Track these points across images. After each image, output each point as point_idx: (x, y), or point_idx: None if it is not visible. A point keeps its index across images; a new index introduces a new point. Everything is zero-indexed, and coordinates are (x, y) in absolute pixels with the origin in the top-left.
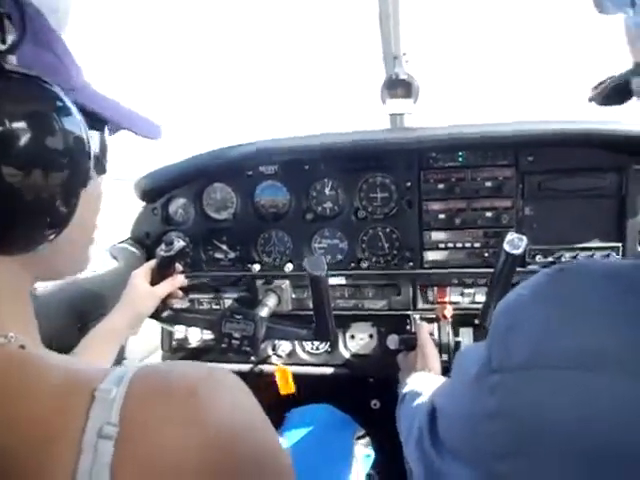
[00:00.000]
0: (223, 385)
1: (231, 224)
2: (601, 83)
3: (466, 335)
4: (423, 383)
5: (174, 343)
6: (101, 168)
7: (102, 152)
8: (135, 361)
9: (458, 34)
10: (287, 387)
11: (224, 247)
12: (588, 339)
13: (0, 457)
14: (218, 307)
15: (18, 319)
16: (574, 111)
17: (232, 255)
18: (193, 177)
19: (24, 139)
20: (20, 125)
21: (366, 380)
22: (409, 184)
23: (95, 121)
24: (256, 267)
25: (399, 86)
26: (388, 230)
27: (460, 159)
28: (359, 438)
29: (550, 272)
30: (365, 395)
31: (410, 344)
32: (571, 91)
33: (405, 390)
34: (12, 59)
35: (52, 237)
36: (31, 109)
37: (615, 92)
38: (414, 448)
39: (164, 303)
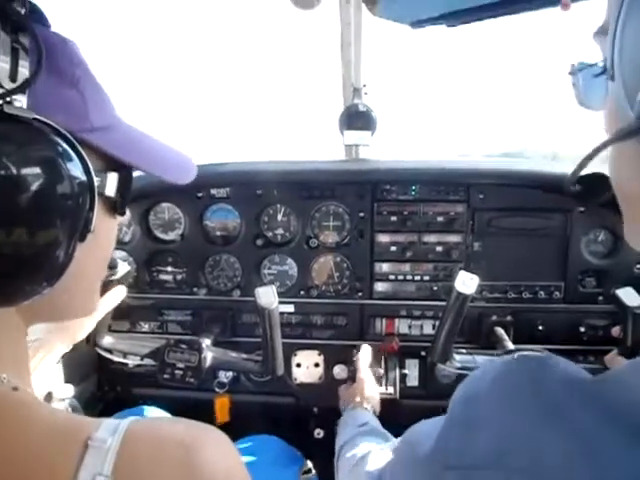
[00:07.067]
0: (215, 439)
1: (178, 245)
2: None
3: (412, 367)
4: (360, 433)
5: (112, 367)
6: (118, 210)
7: (121, 194)
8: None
9: (418, 68)
10: (223, 416)
11: (169, 268)
12: (555, 446)
13: None
14: (160, 331)
15: (12, 361)
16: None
17: (178, 277)
18: (140, 195)
19: (11, 193)
20: (10, 176)
21: (311, 410)
22: (362, 215)
23: (117, 164)
24: (202, 292)
25: (358, 118)
26: (339, 259)
27: (413, 192)
28: (305, 473)
29: (513, 365)
30: (309, 425)
31: (353, 377)
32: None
33: (341, 442)
34: (19, 101)
35: (42, 290)
36: (26, 160)
37: (591, 186)
38: None
39: (103, 327)
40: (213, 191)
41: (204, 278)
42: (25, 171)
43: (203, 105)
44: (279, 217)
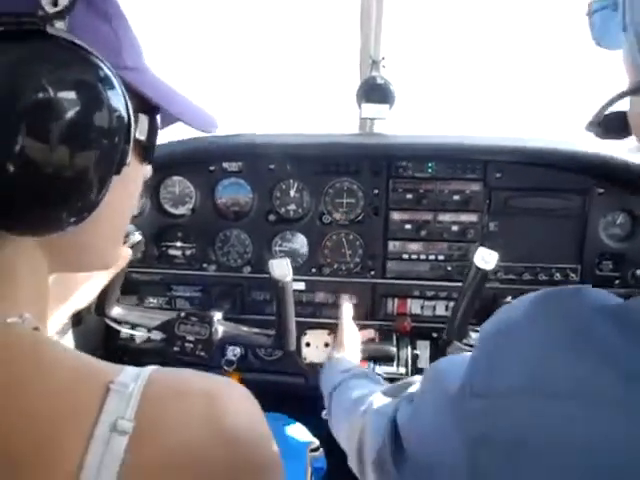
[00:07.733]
0: (238, 391)
1: (188, 220)
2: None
3: (423, 348)
4: (349, 377)
5: (119, 342)
6: (146, 156)
7: (149, 139)
8: None
9: (437, 43)
10: None
11: (179, 244)
12: (588, 370)
13: (4, 443)
14: (169, 306)
15: (34, 303)
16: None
17: (187, 253)
18: (151, 168)
19: (54, 111)
20: (52, 95)
21: (319, 389)
22: (377, 191)
23: (146, 107)
24: (212, 268)
25: (376, 90)
26: (352, 237)
27: (429, 170)
28: (313, 451)
29: (545, 295)
30: (317, 404)
31: None
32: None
33: (329, 388)
34: (60, 24)
35: (72, 223)
36: (68, 80)
37: (613, 125)
38: (371, 470)
39: (113, 297)
40: (225, 164)
41: (214, 254)
42: (68, 91)
43: (214, 74)
44: (292, 193)
